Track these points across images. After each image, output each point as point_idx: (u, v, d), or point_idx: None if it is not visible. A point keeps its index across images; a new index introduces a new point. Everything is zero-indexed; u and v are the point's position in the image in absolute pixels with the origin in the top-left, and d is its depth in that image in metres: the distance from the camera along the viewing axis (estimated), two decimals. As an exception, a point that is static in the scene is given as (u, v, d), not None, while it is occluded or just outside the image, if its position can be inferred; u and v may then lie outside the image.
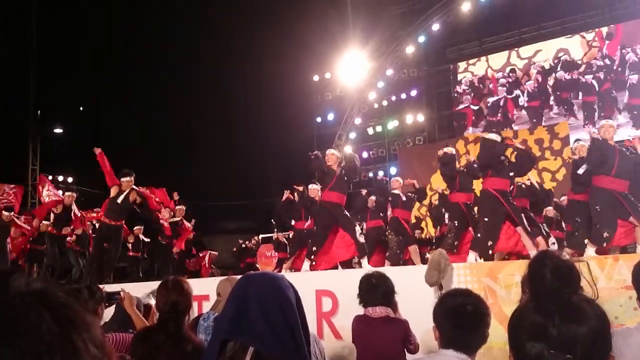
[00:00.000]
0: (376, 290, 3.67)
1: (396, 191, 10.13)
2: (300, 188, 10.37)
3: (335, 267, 8.29)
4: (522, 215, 7.20)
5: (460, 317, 2.06)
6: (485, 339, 2.10)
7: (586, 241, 6.89)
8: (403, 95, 20.73)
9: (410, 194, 10.14)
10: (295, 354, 1.33)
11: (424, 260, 9.25)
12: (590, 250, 6.68)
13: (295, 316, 1.38)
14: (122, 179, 9.10)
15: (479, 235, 7.39)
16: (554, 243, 8.39)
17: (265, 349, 1.32)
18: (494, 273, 6.15)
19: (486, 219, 7.28)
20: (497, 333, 2.25)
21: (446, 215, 10.33)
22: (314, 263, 8.05)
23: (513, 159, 7.84)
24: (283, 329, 1.34)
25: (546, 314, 1.18)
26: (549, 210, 10.29)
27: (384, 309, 3.67)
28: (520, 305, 1.27)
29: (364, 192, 11.50)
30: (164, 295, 2.92)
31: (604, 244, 6.64)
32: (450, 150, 8.98)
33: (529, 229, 7.05)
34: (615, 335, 1.23)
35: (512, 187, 8.07)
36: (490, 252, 7.08)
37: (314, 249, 7.98)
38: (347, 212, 8.10)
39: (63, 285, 6.95)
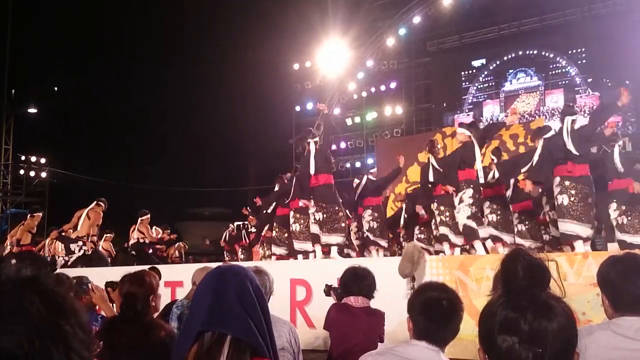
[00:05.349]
0: (361, 282, 3.74)
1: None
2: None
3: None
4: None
5: (435, 311, 2.09)
6: (456, 333, 2.14)
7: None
8: (382, 87, 20.78)
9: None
10: (267, 342, 1.41)
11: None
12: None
13: (266, 306, 1.47)
14: None
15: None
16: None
17: (247, 338, 1.38)
18: (465, 266, 6.24)
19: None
20: (467, 325, 2.28)
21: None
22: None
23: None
24: (259, 318, 1.41)
25: (518, 310, 1.22)
26: None
27: (366, 300, 3.73)
28: (491, 300, 1.31)
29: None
30: (125, 288, 3.00)
31: None
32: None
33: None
34: (579, 332, 1.27)
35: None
36: None
37: None
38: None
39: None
